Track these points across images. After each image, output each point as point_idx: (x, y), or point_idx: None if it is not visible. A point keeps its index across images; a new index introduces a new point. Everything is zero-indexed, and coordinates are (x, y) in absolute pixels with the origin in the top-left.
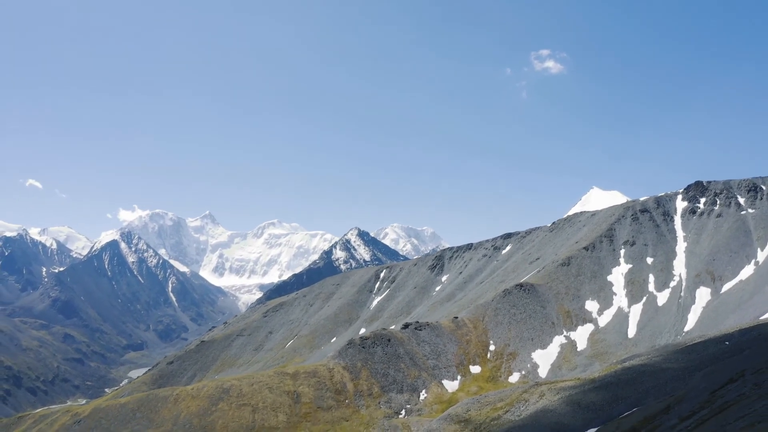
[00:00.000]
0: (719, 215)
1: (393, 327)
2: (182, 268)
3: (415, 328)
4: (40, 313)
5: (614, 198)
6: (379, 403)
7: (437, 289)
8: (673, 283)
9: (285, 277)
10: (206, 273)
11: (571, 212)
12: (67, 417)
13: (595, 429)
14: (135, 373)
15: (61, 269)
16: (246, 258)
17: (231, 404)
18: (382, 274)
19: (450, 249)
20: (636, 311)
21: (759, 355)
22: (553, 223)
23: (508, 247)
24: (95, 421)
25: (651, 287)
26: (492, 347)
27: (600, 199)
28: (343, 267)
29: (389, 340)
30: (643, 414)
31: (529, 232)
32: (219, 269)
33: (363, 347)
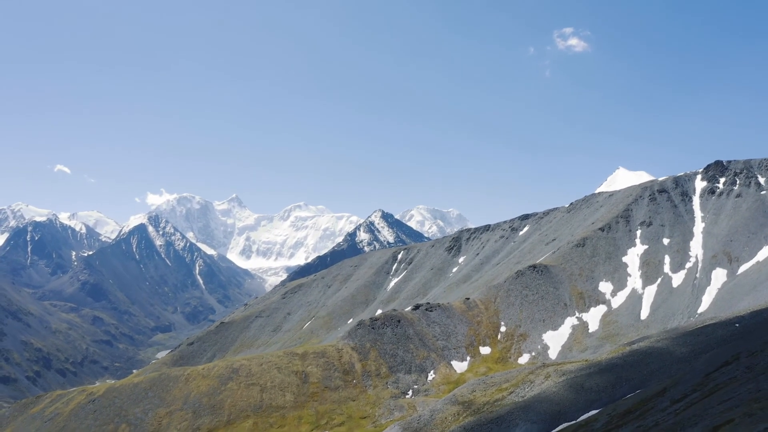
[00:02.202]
0: (738, 195)
1: (408, 309)
2: (209, 251)
3: (426, 309)
4: (70, 296)
5: (640, 178)
6: (386, 383)
7: (454, 270)
8: (689, 265)
9: (311, 259)
10: (233, 256)
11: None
12: (82, 396)
13: (596, 411)
14: (162, 355)
15: (90, 253)
16: (273, 240)
17: (240, 384)
18: (399, 256)
19: (468, 230)
20: (650, 293)
21: (758, 338)
22: (571, 203)
23: (525, 228)
24: (109, 400)
25: (666, 268)
26: (503, 328)
27: (626, 180)
28: (366, 249)
29: (399, 321)
30: (640, 396)
31: (546, 213)
32: (246, 252)
33: (373, 328)
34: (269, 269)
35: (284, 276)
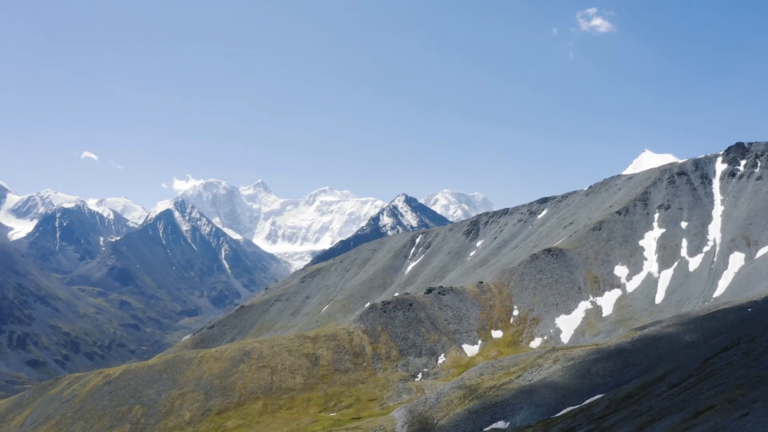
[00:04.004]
0: (759, 178)
1: (421, 293)
2: (235, 236)
3: (439, 293)
4: (98, 281)
5: (666, 161)
6: (396, 366)
7: (471, 254)
8: (706, 248)
9: (335, 243)
10: (259, 240)
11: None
12: (99, 378)
13: (600, 396)
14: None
15: (118, 238)
16: (298, 225)
17: (251, 366)
18: (417, 240)
19: (486, 214)
20: (666, 277)
21: (759, 323)
22: (590, 187)
23: (543, 212)
24: (124, 381)
25: (683, 252)
26: (515, 312)
27: (651, 163)
28: (390, 233)
29: (411, 305)
30: (641, 381)
31: (565, 197)
32: (272, 236)
33: (384, 311)
34: (295, 254)
35: (309, 260)
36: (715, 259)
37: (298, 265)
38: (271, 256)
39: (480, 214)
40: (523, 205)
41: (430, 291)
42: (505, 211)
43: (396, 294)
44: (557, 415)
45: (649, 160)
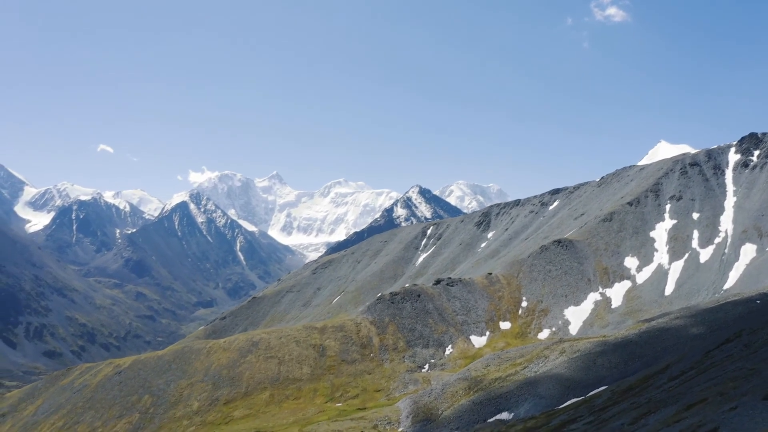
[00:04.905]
0: None
1: (429, 284)
2: (251, 228)
3: (447, 284)
4: (114, 272)
5: (681, 152)
6: (403, 357)
7: (482, 245)
8: (717, 240)
9: (349, 235)
10: (275, 232)
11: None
12: (110, 368)
13: (604, 387)
14: None
15: (134, 230)
16: (313, 217)
17: (259, 356)
18: (429, 231)
19: (497, 205)
20: (676, 268)
21: (765, 315)
22: (602, 177)
23: (555, 203)
24: (134, 372)
25: (694, 243)
26: (524, 303)
27: (667, 153)
28: (403, 225)
29: (419, 296)
30: (644, 373)
31: (577, 188)
32: (287, 228)
33: (392, 302)
34: (310, 245)
35: (324, 252)
36: (726, 250)
37: (313, 256)
38: (287, 248)
39: (492, 206)
40: (535, 197)
41: (438, 282)
42: (517, 203)
43: (407, 286)
44: (561, 406)
45: (664, 151)
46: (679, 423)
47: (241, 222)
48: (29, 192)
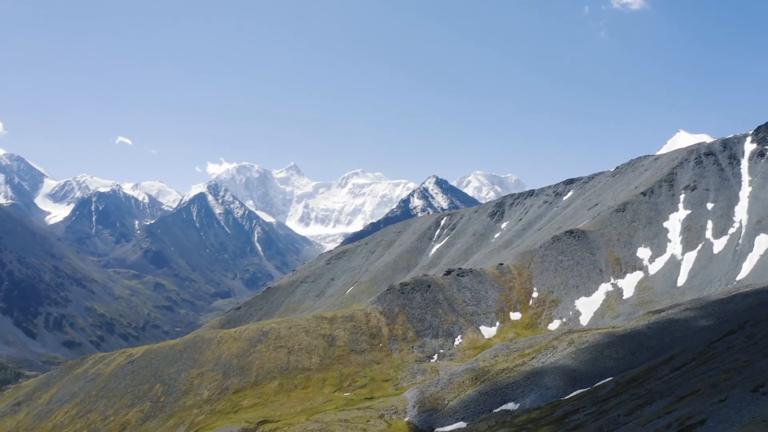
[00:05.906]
0: None
1: (440, 274)
2: (268, 219)
3: (457, 275)
4: (133, 263)
5: (700, 141)
6: (412, 347)
7: (496, 236)
8: (732, 230)
9: (366, 225)
10: (292, 223)
11: None
12: (123, 358)
13: (610, 378)
14: None
15: (152, 222)
16: (331, 208)
17: (269, 346)
18: (442, 222)
19: (511, 195)
20: (689, 259)
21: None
22: (616, 167)
23: (569, 193)
24: (146, 361)
25: (708, 234)
26: (535, 294)
27: (686, 143)
28: (420, 216)
29: (429, 286)
30: (648, 365)
31: (591, 178)
32: (305, 219)
33: (402, 293)
34: (327, 236)
35: (341, 242)
36: (740, 241)
37: (330, 247)
38: (304, 239)
39: (506, 196)
40: (549, 187)
41: (449, 272)
42: (531, 193)
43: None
44: (566, 397)
45: (683, 141)
46: (669, 415)
47: (259, 213)
48: (49, 184)
